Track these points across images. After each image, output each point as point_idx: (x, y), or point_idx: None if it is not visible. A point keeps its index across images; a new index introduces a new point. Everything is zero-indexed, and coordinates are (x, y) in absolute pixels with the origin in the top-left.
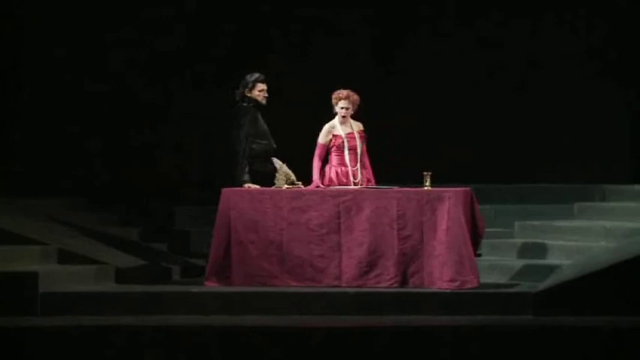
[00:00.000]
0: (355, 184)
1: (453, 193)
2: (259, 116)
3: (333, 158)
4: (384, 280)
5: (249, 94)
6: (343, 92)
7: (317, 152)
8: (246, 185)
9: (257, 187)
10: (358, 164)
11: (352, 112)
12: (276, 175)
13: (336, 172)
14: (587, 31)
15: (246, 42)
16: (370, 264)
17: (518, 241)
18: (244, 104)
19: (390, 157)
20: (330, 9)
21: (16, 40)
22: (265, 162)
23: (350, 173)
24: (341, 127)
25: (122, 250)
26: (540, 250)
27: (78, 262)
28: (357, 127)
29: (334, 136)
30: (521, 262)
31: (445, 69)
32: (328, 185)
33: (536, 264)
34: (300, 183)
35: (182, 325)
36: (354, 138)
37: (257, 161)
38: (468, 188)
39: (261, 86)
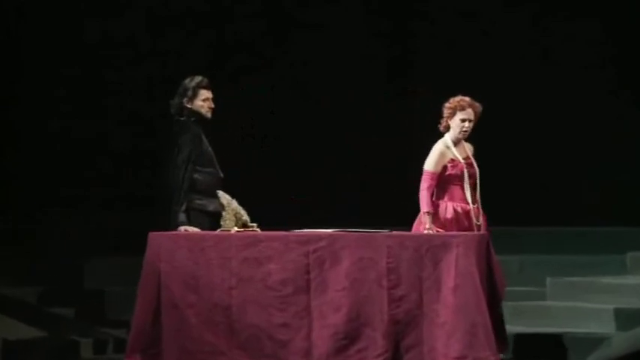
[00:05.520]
0: (478, 227)
1: (462, 239)
2: (202, 135)
3: (450, 191)
4: (370, 357)
5: (189, 105)
6: (466, 99)
7: (428, 184)
8: (183, 228)
9: (197, 230)
10: (478, 200)
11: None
12: (223, 214)
13: (455, 211)
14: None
15: (244, 44)
16: (351, 335)
17: (552, 303)
18: (182, 119)
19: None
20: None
21: (16, 39)
22: (210, 197)
23: (472, 212)
24: (456, 150)
25: (13, 316)
26: (581, 315)
27: None
28: (470, 149)
29: (451, 161)
30: (554, 332)
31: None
32: (445, 229)
33: (575, 334)
34: (254, 225)
35: None
36: (472, 165)
37: (199, 196)
38: (483, 232)
39: (205, 94)
